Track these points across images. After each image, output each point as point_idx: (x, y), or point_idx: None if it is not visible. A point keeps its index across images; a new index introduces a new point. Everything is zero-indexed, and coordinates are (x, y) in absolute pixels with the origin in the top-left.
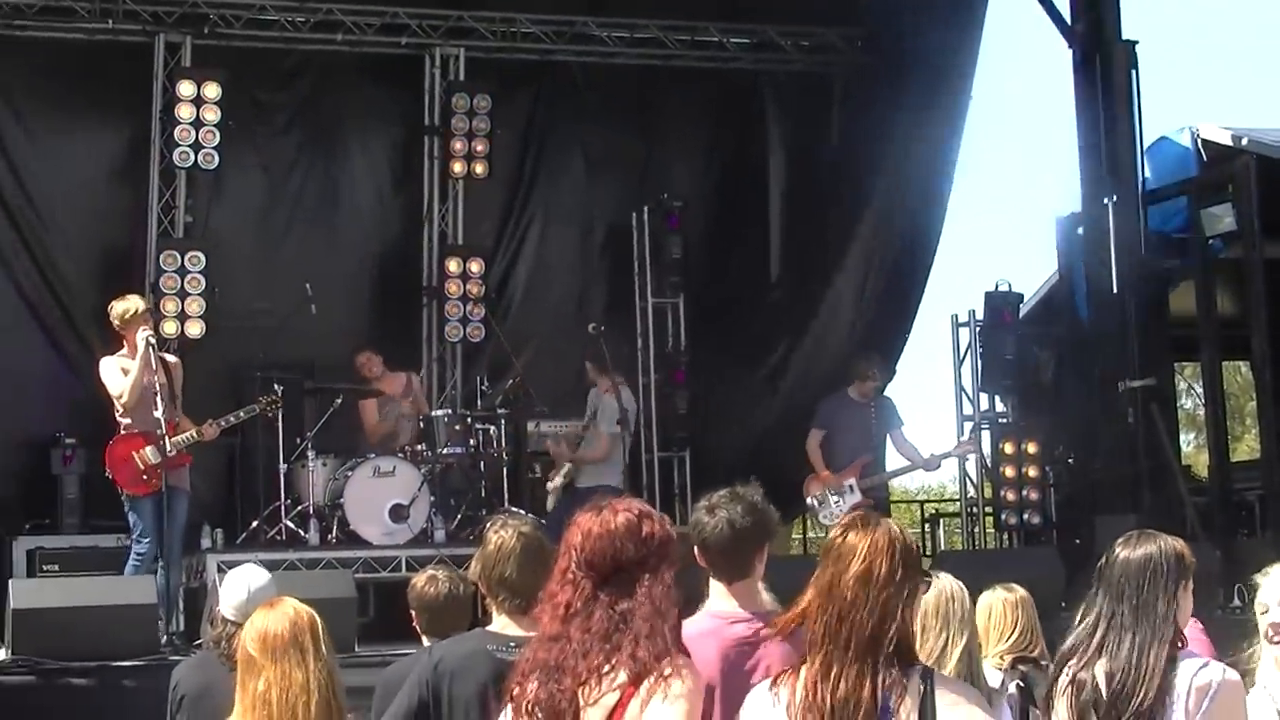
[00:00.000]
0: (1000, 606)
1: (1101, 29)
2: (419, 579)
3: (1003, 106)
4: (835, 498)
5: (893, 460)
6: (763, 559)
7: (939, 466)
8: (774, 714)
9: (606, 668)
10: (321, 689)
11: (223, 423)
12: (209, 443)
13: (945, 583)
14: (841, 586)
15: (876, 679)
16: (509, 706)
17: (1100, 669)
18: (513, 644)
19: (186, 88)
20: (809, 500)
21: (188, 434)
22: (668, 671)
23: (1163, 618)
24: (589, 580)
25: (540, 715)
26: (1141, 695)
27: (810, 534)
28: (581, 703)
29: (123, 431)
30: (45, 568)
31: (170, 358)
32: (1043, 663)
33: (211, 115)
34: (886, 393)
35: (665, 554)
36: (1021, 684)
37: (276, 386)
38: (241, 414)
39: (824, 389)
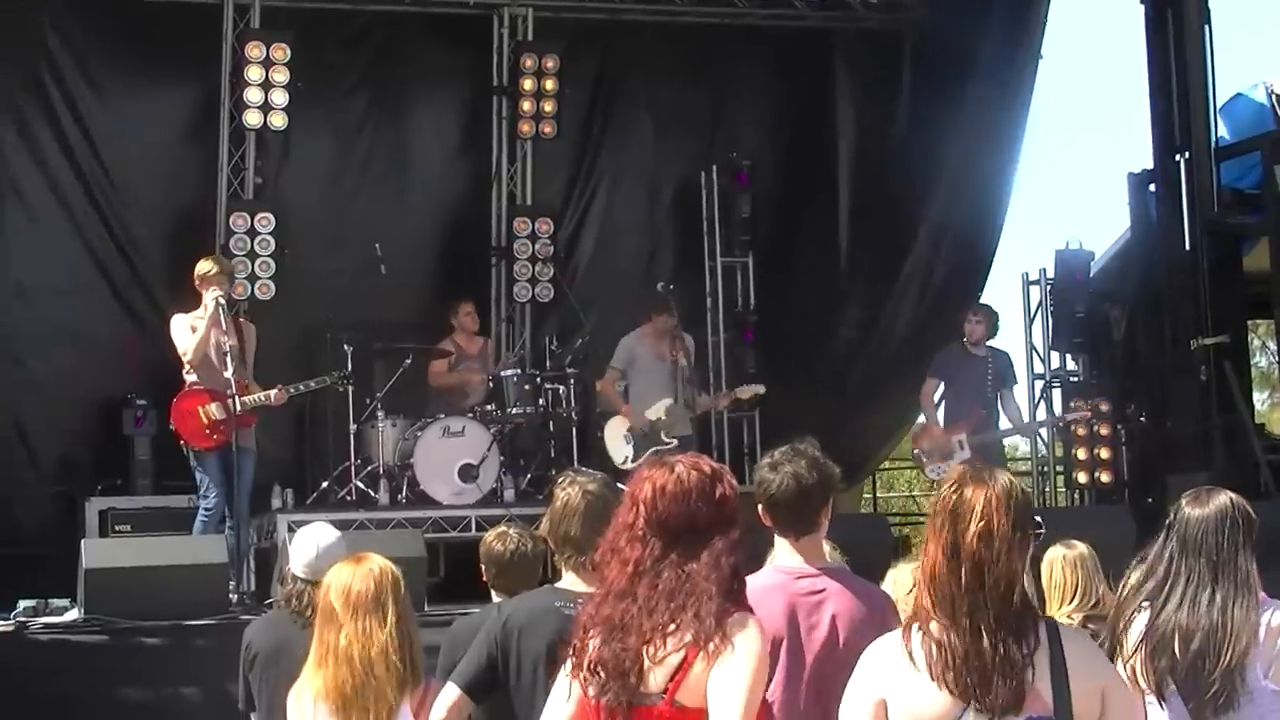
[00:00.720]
0: (1060, 566)
1: None
2: (490, 535)
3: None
4: (942, 454)
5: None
6: (828, 514)
7: (1043, 429)
8: (909, 668)
9: (672, 626)
10: (401, 648)
11: (291, 390)
12: (276, 406)
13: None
14: (966, 545)
15: (1008, 633)
16: (569, 662)
17: (1177, 624)
18: (580, 600)
19: (255, 49)
20: (916, 452)
21: (256, 396)
22: (733, 631)
23: (1244, 573)
24: (658, 539)
25: (604, 673)
26: (1230, 654)
27: (880, 493)
28: (646, 661)
29: (189, 388)
30: (117, 528)
31: (245, 322)
32: None
33: (280, 76)
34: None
35: (735, 514)
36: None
37: (346, 347)
38: (312, 384)
39: (895, 348)
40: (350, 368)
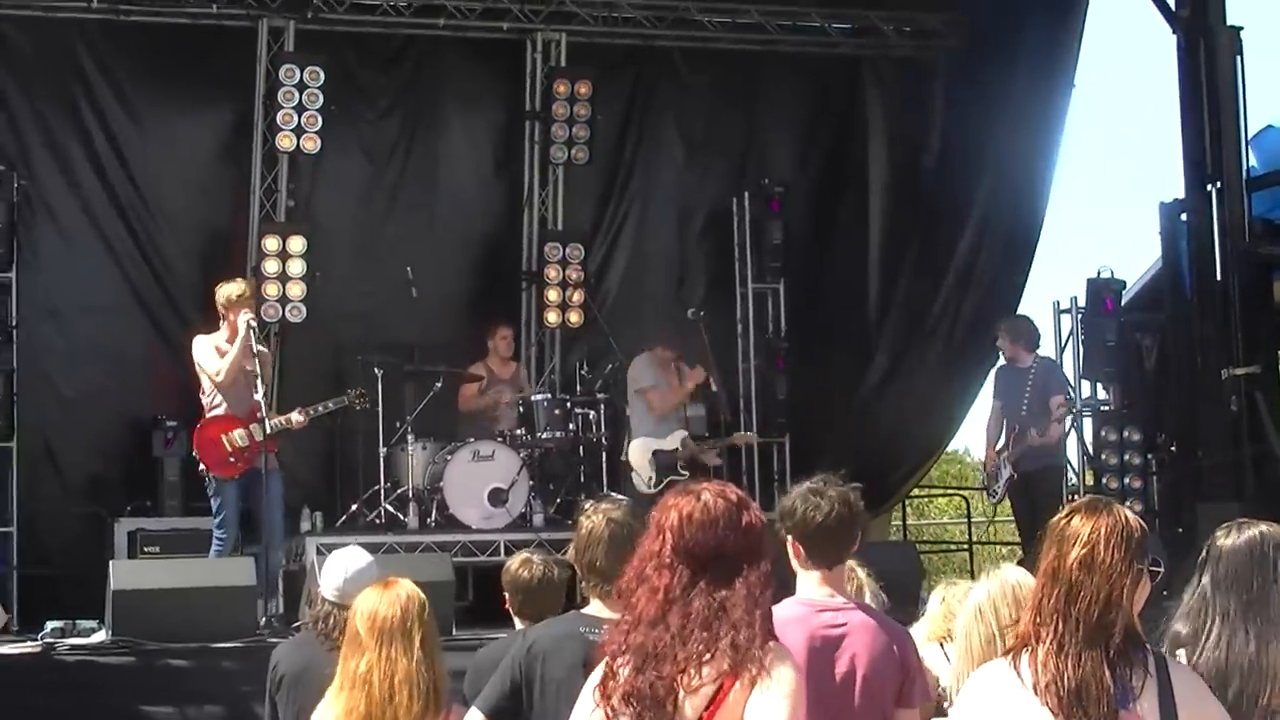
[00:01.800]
0: None
1: (1206, 14)
2: (513, 562)
3: (1106, 93)
4: (992, 477)
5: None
6: (853, 548)
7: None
8: (1018, 689)
9: (707, 655)
10: (423, 678)
11: (311, 411)
12: (299, 429)
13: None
14: (1064, 569)
15: (1113, 663)
16: (595, 692)
17: (1215, 665)
18: (605, 626)
19: (289, 73)
20: (981, 475)
21: (278, 420)
22: (769, 661)
23: (1277, 609)
24: (686, 567)
25: (636, 703)
26: (1268, 694)
27: (910, 520)
28: (681, 691)
29: (209, 414)
30: (146, 549)
31: (261, 348)
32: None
33: (314, 100)
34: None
35: (762, 543)
36: None
37: (376, 370)
38: (330, 404)
39: (927, 375)
40: (380, 390)
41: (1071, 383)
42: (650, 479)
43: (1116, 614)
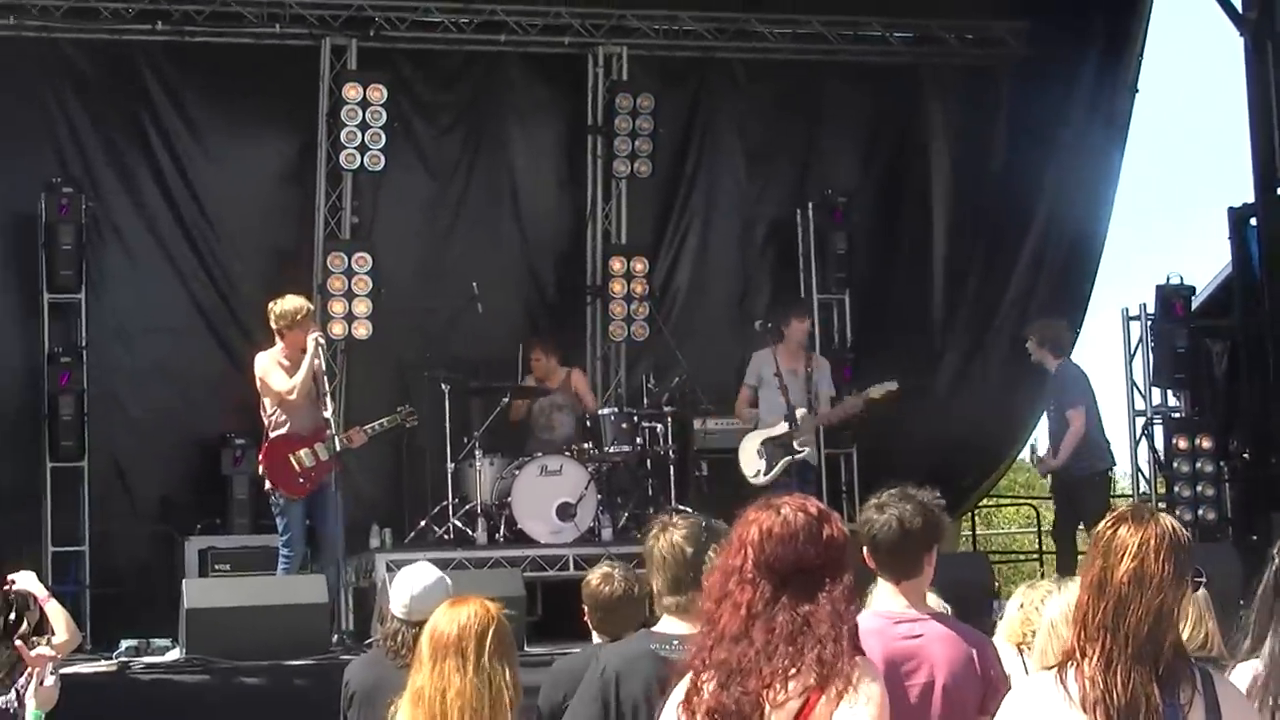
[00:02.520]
0: None
1: (1273, 17)
2: (594, 576)
3: (1173, 96)
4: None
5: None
6: (931, 560)
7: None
8: (1064, 705)
9: (793, 670)
10: (480, 696)
11: (368, 430)
12: (359, 447)
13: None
14: (1113, 584)
15: (1161, 679)
16: (679, 708)
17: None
18: (675, 642)
19: (352, 91)
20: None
21: (340, 438)
22: (855, 676)
23: None
24: (767, 581)
25: (721, 718)
26: None
27: (979, 530)
28: (766, 706)
29: (275, 433)
30: (217, 567)
31: (317, 362)
32: (1223, 661)
33: (377, 118)
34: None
35: (844, 556)
36: None
37: (443, 386)
38: (385, 422)
39: (992, 387)
40: (447, 406)
41: (1142, 390)
42: (759, 470)
43: (1167, 629)
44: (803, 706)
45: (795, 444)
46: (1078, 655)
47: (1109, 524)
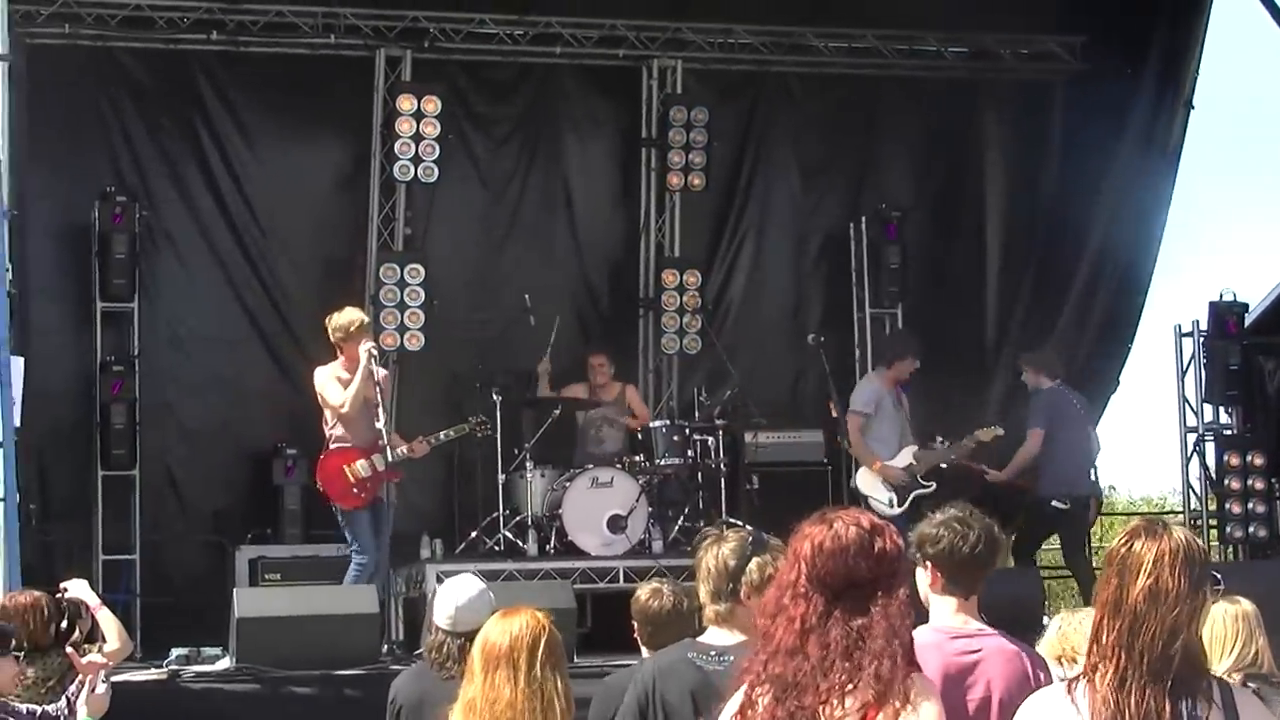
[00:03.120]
0: (1222, 620)
1: None
2: (643, 591)
3: (1227, 111)
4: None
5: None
6: (988, 576)
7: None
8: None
9: (850, 686)
10: (528, 708)
11: (432, 440)
12: (420, 458)
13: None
14: (1129, 601)
15: (1177, 694)
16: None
17: None
18: (713, 653)
19: (407, 102)
20: None
21: (400, 449)
22: (913, 694)
23: None
24: (820, 595)
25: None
26: None
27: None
28: None
29: (333, 445)
30: (267, 577)
31: (382, 371)
32: (1274, 679)
33: (431, 129)
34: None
35: (898, 570)
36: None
37: (495, 398)
38: (451, 432)
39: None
40: (499, 417)
41: (1194, 406)
42: (891, 499)
43: (1180, 643)
44: None
45: (919, 478)
46: (1090, 672)
47: (1123, 540)
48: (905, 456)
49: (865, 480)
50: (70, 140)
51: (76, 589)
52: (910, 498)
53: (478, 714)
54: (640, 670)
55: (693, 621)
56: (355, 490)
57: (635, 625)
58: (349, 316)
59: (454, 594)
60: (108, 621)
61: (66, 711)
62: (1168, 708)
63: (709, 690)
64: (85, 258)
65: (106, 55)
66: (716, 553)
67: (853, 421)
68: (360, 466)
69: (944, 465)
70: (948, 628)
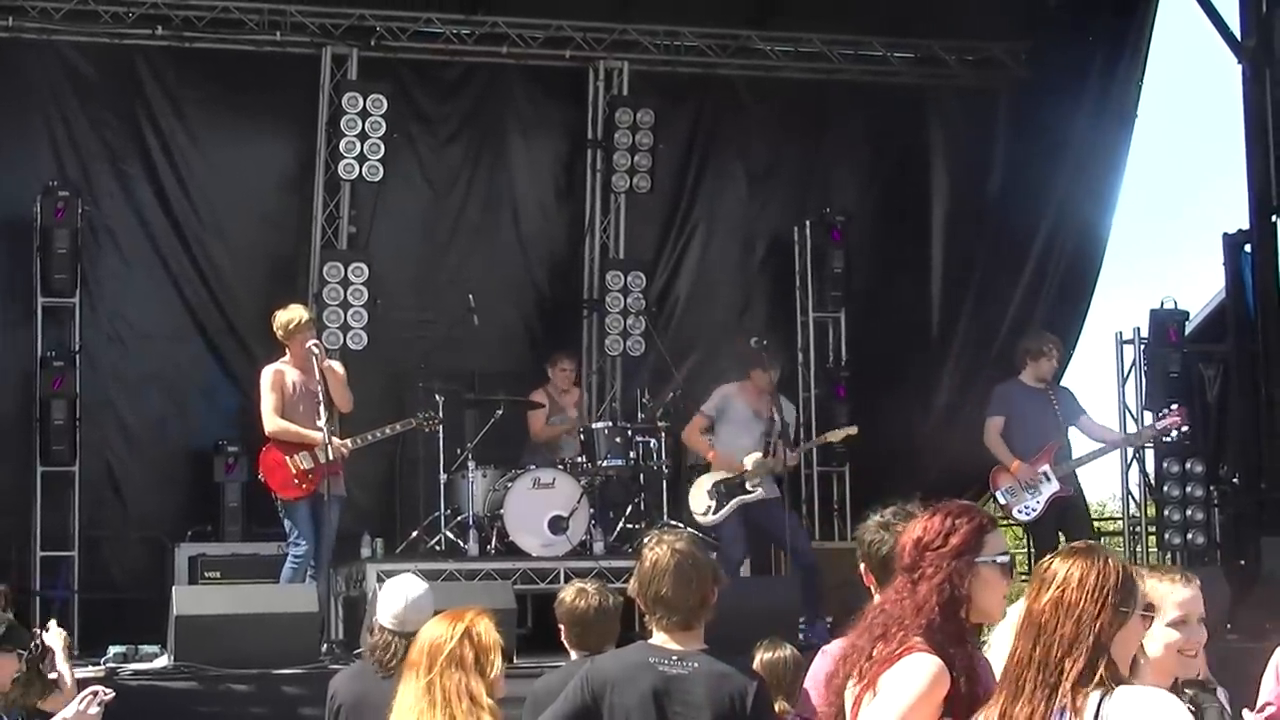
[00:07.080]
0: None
1: (1272, 44)
2: (567, 592)
3: (1169, 123)
4: (1029, 489)
5: (1083, 446)
6: None
7: (1145, 442)
8: None
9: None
10: (467, 708)
11: (371, 437)
12: (365, 452)
13: None
14: (1037, 612)
15: (1050, 703)
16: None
17: None
18: (674, 657)
19: (352, 100)
20: (999, 495)
21: (335, 443)
22: (904, 657)
23: None
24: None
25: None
26: None
27: None
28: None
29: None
30: (207, 574)
31: (336, 365)
32: (1210, 685)
33: (377, 128)
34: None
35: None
36: (1192, 708)
37: (437, 397)
38: (398, 426)
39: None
40: (441, 416)
41: (1134, 414)
42: (709, 508)
43: (1079, 656)
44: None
45: (748, 485)
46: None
47: (1049, 559)
48: (749, 460)
49: (696, 484)
50: (13, 134)
51: (51, 638)
52: (730, 506)
53: (408, 713)
54: (585, 669)
55: (618, 620)
56: (296, 481)
57: (562, 627)
58: (291, 314)
59: (398, 594)
60: (66, 674)
61: None
62: (1046, 716)
63: (671, 693)
64: (26, 252)
65: (50, 49)
66: (662, 555)
67: (693, 422)
68: (302, 458)
69: (778, 471)
70: None
